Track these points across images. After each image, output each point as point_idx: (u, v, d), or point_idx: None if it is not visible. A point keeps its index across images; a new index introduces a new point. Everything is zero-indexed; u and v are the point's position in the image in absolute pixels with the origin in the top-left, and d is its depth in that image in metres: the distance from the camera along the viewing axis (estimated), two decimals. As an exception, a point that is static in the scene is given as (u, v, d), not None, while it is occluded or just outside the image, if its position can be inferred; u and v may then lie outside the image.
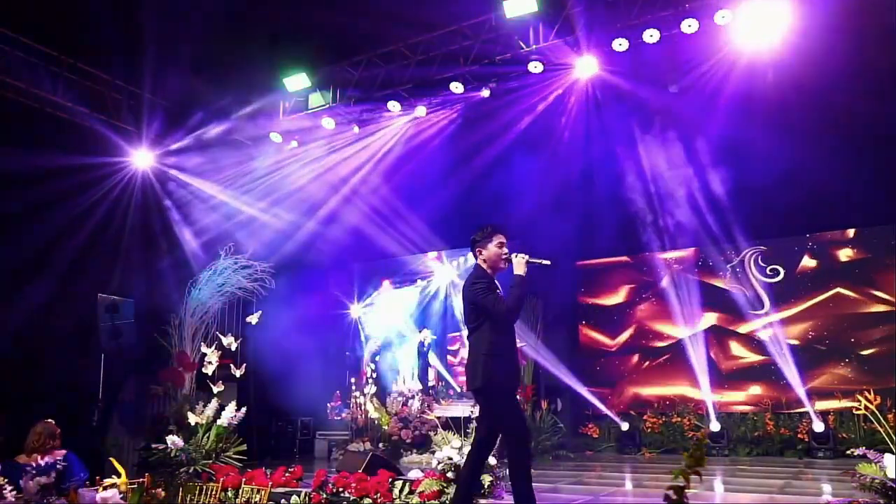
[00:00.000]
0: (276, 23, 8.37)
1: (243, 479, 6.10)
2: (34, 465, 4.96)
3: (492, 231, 4.23)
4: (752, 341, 10.16)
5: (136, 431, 9.00)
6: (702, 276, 10.66)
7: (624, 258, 11.31)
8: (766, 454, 9.13)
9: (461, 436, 5.82)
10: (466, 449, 5.53)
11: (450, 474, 5.47)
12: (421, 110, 9.52)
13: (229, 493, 5.98)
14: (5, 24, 8.20)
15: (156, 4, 8.00)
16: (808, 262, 10.02)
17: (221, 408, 7.23)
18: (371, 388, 10.38)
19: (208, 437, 7.05)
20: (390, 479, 5.70)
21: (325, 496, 5.72)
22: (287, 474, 6.22)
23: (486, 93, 9.04)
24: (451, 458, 5.50)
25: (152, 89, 9.85)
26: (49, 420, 5.81)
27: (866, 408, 4.95)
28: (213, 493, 5.96)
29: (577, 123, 9.38)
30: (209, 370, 7.54)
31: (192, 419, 7.13)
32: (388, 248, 12.02)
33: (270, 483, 5.96)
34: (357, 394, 10.41)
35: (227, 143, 10.38)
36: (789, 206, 9.45)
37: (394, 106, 9.34)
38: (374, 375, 10.98)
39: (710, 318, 10.51)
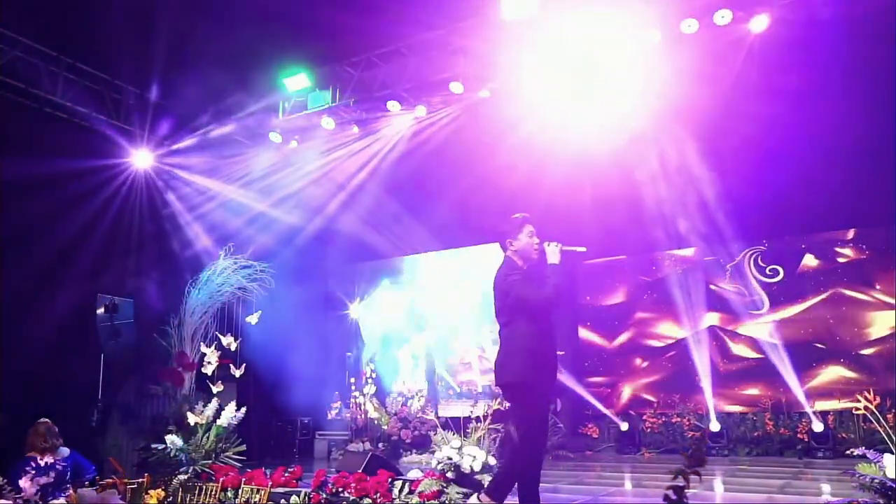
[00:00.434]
0: (276, 23, 8.36)
1: (243, 479, 6.10)
2: (34, 465, 4.97)
3: (521, 221, 4.12)
4: (751, 341, 10.16)
5: (136, 431, 8.99)
6: (701, 276, 10.65)
7: (623, 258, 11.31)
8: (765, 454, 9.13)
9: (461, 436, 5.81)
10: (466, 449, 5.54)
11: (449, 474, 5.47)
12: (421, 110, 9.52)
13: (229, 493, 5.98)
14: (5, 24, 8.19)
15: (156, 4, 7.99)
16: (807, 262, 10.02)
17: (221, 408, 7.22)
18: (370, 388, 10.38)
19: (208, 437, 7.04)
20: (390, 479, 5.69)
21: (324, 496, 5.72)
22: (287, 474, 6.21)
23: (486, 93, 9.04)
24: (450, 458, 5.50)
25: (152, 89, 9.85)
26: (45, 419, 5.74)
27: (866, 408, 4.94)
28: (213, 493, 5.96)
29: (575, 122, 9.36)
30: (209, 370, 7.53)
31: (192, 419, 7.12)
32: (388, 248, 12.03)
33: (270, 483, 5.96)
34: (356, 394, 10.41)
35: (226, 144, 10.38)
36: (789, 206, 9.45)
37: (394, 106, 9.34)
38: (374, 375, 10.97)
39: (710, 319, 10.51)
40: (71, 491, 5.02)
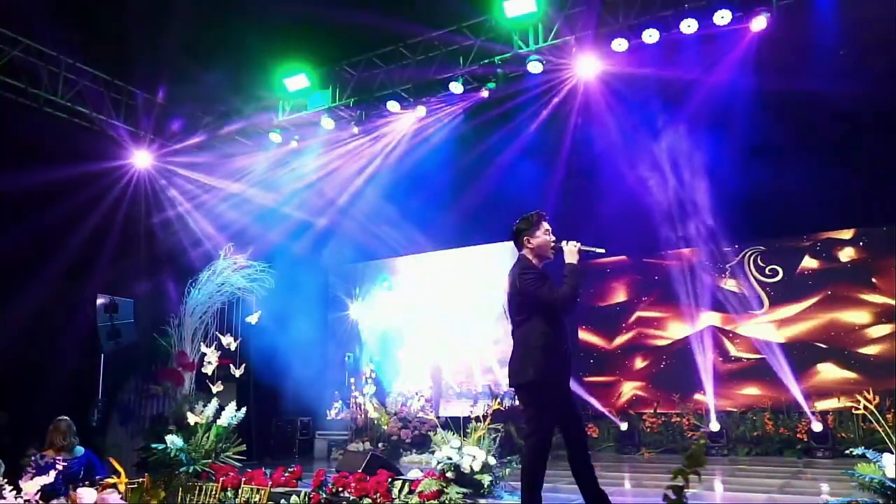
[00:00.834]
0: (276, 23, 8.36)
1: (243, 479, 6.11)
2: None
3: (538, 218, 4.03)
4: (751, 341, 10.16)
5: (136, 431, 9.01)
6: (701, 276, 10.65)
7: (623, 258, 11.31)
8: (765, 454, 9.13)
9: (461, 436, 5.81)
10: (466, 449, 5.54)
11: (449, 474, 5.47)
12: (421, 110, 9.52)
13: (229, 493, 5.99)
14: (5, 24, 8.20)
15: (156, 5, 8.00)
16: (807, 262, 10.02)
17: (221, 408, 7.23)
18: (370, 389, 10.38)
19: (208, 437, 7.05)
20: (389, 479, 5.70)
21: (324, 496, 5.72)
22: (286, 474, 6.22)
23: (485, 93, 9.04)
24: (450, 458, 5.50)
25: (152, 89, 9.86)
26: (65, 417, 5.84)
27: (865, 408, 4.94)
28: (213, 493, 5.96)
29: (576, 123, 9.38)
30: (209, 370, 7.54)
31: (192, 419, 7.13)
32: (388, 248, 12.04)
33: (270, 483, 5.96)
34: (356, 394, 10.41)
35: (227, 144, 10.39)
36: (789, 206, 9.45)
37: (393, 106, 9.34)
38: (374, 375, 10.97)
39: (710, 318, 10.51)
40: (71, 492, 5.02)
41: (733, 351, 10.29)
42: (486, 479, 5.51)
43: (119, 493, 4.88)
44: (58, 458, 5.45)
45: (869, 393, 5.12)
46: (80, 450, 5.70)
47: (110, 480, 4.96)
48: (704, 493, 5.84)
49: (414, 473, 5.83)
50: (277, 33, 8.45)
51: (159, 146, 10.23)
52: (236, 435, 7.38)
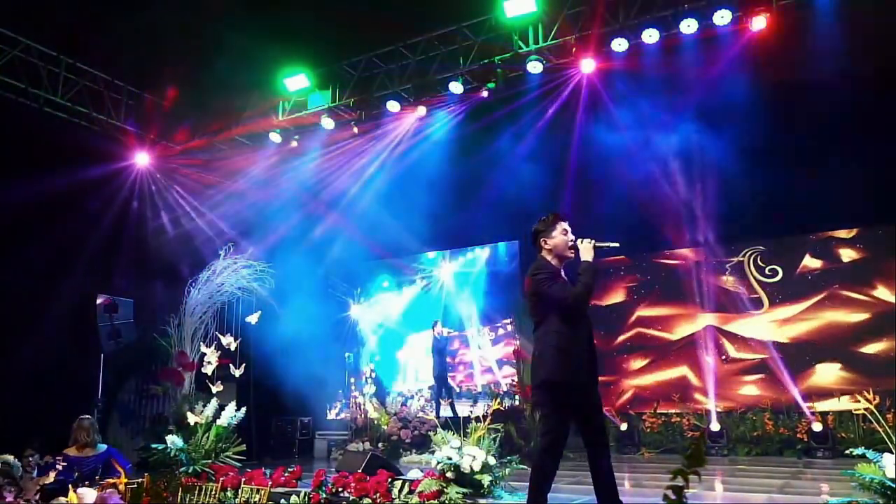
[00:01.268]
0: (276, 23, 8.37)
1: (243, 479, 6.11)
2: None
3: (554, 219, 3.99)
4: (751, 341, 10.15)
5: (136, 431, 9.01)
6: (701, 276, 10.65)
7: (623, 258, 11.31)
8: (765, 454, 9.13)
9: (460, 436, 5.81)
10: (466, 449, 5.54)
11: (449, 474, 5.47)
12: (421, 110, 9.53)
13: (229, 493, 5.98)
14: (5, 24, 8.20)
15: (156, 5, 8.00)
16: (807, 262, 10.01)
17: (221, 408, 7.23)
18: (370, 389, 10.38)
19: (208, 437, 7.05)
20: (389, 479, 5.70)
21: (324, 496, 5.72)
22: (286, 474, 6.22)
23: (485, 93, 9.05)
24: (450, 458, 5.50)
25: (151, 90, 9.86)
26: (88, 416, 6.06)
27: (865, 408, 4.94)
28: (213, 493, 5.96)
29: (576, 123, 9.38)
30: (208, 370, 7.54)
31: (192, 419, 7.13)
32: (388, 248, 12.03)
33: (270, 483, 5.96)
34: (356, 394, 10.42)
35: (226, 143, 10.39)
36: (789, 206, 9.44)
37: (393, 106, 9.35)
38: (374, 375, 10.98)
39: (710, 318, 10.51)
40: (72, 490, 5.02)
41: (733, 351, 10.29)
42: (486, 479, 5.51)
43: (119, 493, 4.89)
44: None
45: (869, 393, 5.13)
46: (101, 447, 5.91)
47: (110, 480, 4.97)
48: (704, 493, 5.84)
49: (414, 473, 5.83)
50: (277, 33, 8.45)
51: (159, 146, 10.23)
52: (236, 435, 7.38)
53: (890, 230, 9.43)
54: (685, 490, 1.94)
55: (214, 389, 7.37)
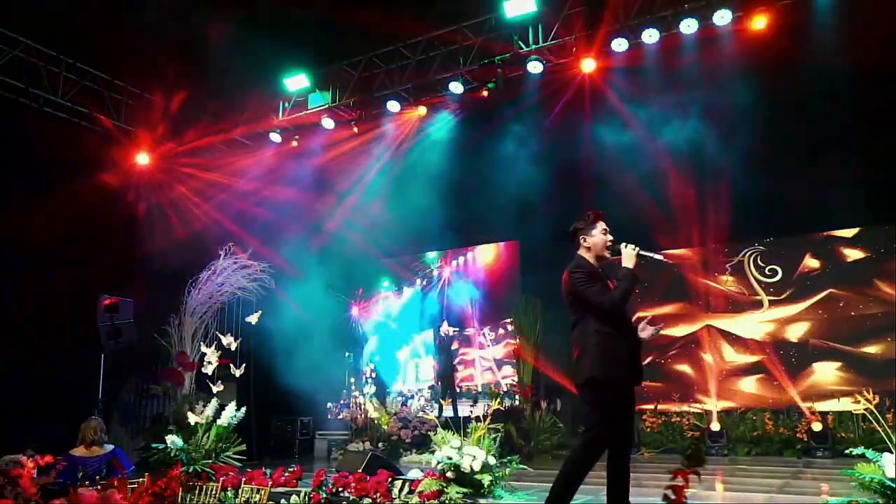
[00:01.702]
0: (276, 23, 8.37)
1: (243, 479, 6.10)
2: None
3: (594, 218, 3.99)
4: (751, 341, 10.16)
5: (136, 431, 9.01)
6: (700, 276, 10.66)
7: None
8: (765, 454, 9.13)
9: (461, 436, 5.81)
10: (466, 449, 5.54)
11: (449, 474, 5.47)
12: (421, 110, 9.53)
13: (229, 493, 5.98)
14: (5, 24, 8.20)
15: (156, 5, 8.00)
16: (807, 262, 10.01)
17: (221, 407, 7.22)
18: (370, 389, 10.38)
19: (208, 437, 7.04)
20: (390, 479, 5.69)
21: (324, 496, 5.72)
22: (286, 474, 6.21)
23: (485, 93, 9.05)
24: (450, 458, 5.50)
25: (152, 90, 9.86)
26: (95, 416, 6.22)
27: (865, 408, 4.95)
28: (213, 492, 5.96)
29: (575, 122, 9.38)
30: (209, 370, 7.54)
31: (192, 419, 7.12)
32: (388, 248, 12.03)
33: (270, 483, 5.96)
34: (356, 394, 10.41)
35: (227, 143, 10.39)
36: (789, 205, 9.44)
37: (393, 106, 9.35)
38: (374, 375, 10.97)
39: (709, 318, 10.52)
40: (73, 490, 5.03)
41: (733, 351, 10.29)
42: (486, 479, 5.50)
43: (119, 493, 4.89)
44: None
45: (869, 393, 5.13)
46: (108, 446, 6.02)
47: (112, 480, 4.97)
48: (704, 493, 5.84)
49: (414, 473, 5.82)
50: (277, 33, 8.45)
51: (159, 146, 10.23)
52: (236, 435, 7.37)
53: (890, 230, 9.43)
54: (685, 490, 1.95)
55: (215, 389, 7.36)
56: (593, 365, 3.71)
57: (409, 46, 8.97)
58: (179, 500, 5.83)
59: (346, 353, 12.52)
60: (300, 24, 8.42)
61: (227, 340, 7.94)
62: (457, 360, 11.94)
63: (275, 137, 10.14)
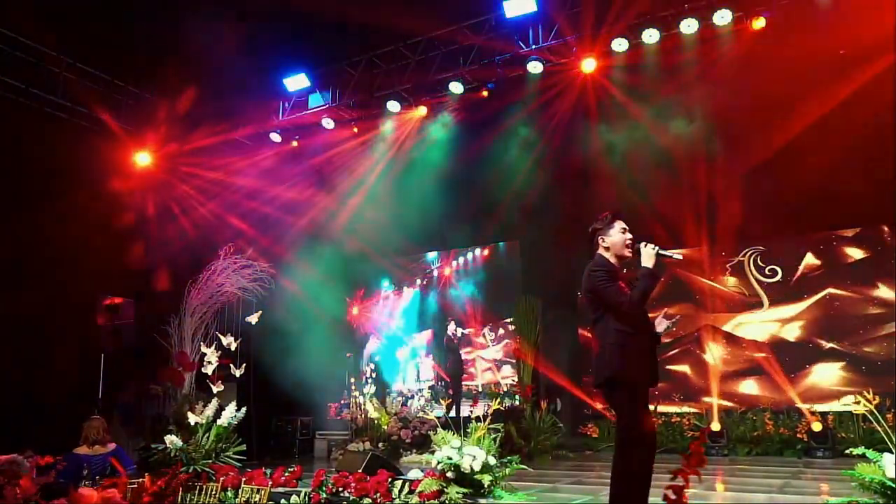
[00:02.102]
0: (276, 23, 8.37)
1: (243, 479, 6.11)
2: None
3: (612, 217, 3.97)
4: (751, 341, 10.16)
5: (136, 431, 9.00)
6: (700, 276, 10.66)
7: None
8: (765, 454, 9.13)
9: (461, 436, 5.81)
10: (466, 449, 5.54)
11: (449, 474, 5.47)
12: (421, 110, 9.52)
13: (229, 493, 5.99)
14: (5, 24, 8.20)
15: (156, 5, 8.00)
16: (807, 262, 10.02)
17: (221, 408, 7.22)
18: (370, 388, 10.38)
19: (208, 437, 7.04)
20: (390, 479, 5.70)
21: (324, 496, 5.72)
22: (286, 474, 6.22)
23: (485, 93, 9.05)
24: (450, 458, 5.50)
25: (152, 90, 9.86)
26: (97, 415, 6.30)
27: (865, 408, 4.95)
28: (213, 493, 5.97)
29: (575, 123, 9.38)
30: (209, 370, 7.54)
31: (192, 419, 7.12)
32: (388, 248, 12.03)
33: (270, 483, 5.96)
34: (356, 394, 10.41)
35: (227, 143, 10.38)
36: (789, 205, 9.44)
37: (393, 106, 9.35)
38: (374, 375, 10.97)
39: (709, 318, 10.51)
40: (73, 489, 5.03)
41: (733, 351, 10.29)
42: (486, 479, 5.51)
43: (119, 493, 4.89)
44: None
45: (869, 393, 5.13)
46: (111, 445, 6.13)
47: (113, 479, 4.97)
48: (704, 493, 5.84)
49: (414, 473, 5.83)
50: (277, 33, 8.46)
51: (159, 146, 10.23)
52: (236, 435, 7.37)
53: (891, 230, 9.43)
54: (685, 490, 1.95)
55: (215, 389, 7.36)
56: (612, 363, 3.71)
57: (409, 46, 8.97)
58: (179, 500, 5.83)
59: (347, 354, 12.52)
60: (300, 24, 8.42)
61: (227, 340, 7.94)
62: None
63: (275, 137, 10.13)
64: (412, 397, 11.36)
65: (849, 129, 8.23)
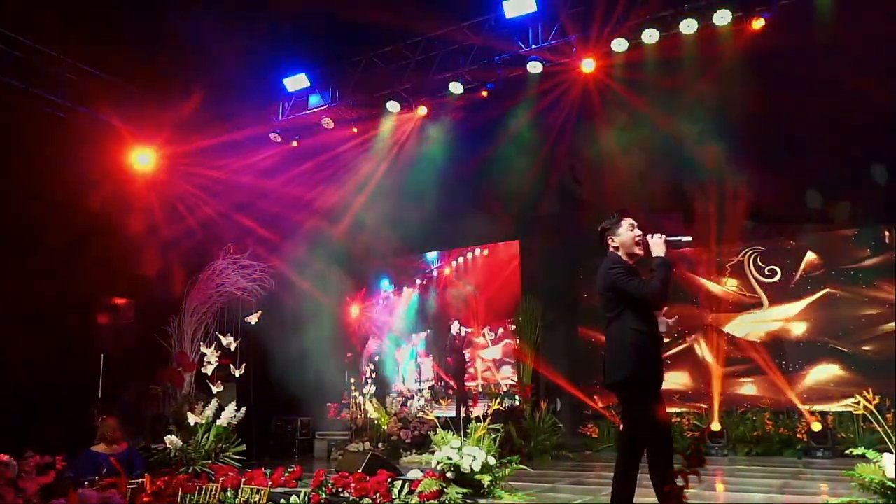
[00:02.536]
0: (276, 23, 8.37)
1: (242, 480, 6.10)
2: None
3: (620, 215, 4.00)
4: (750, 341, 10.16)
5: (136, 431, 9.00)
6: (700, 276, 10.66)
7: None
8: (765, 454, 9.13)
9: (460, 436, 5.81)
10: (466, 449, 5.54)
11: (449, 474, 5.47)
12: (421, 110, 9.52)
13: (228, 494, 5.98)
14: (5, 24, 8.20)
15: (157, 5, 8.00)
16: (807, 261, 10.02)
17: (221, 408, 7.23)
18: (370, 388, 10.38)
19: (208, 438, 7.05)
20: (389, 479, 5.70)
21: (324, 496, 5.72)
22: (286, 474, 6.22)
23: (485, 93, 9.04)
24: (450, 458, 5.50)
25: (152, 90, 9.85)
26: (113, 415, 6.49)
27: (865, 408, 4.95)
28: (213, 493, 5.96)
29: (575, 123, 9.38)
30: (209, 370, 7.54)
31: (192, 419, 7.13)
32: (388, 247, 12.03)
33: (270, 483, 5.96)
34: (356, 394, 10.41)
35: (227, 144, 10.37)
36: (788, 205, 9.45)
37: (393, 106, 9.35)
38: (374, 375, 10.97)
39: (709, 318, 10.52)
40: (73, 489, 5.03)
41: (733, 351, 10.29)
42: (486, 479, 5.51)
43: (119, 493, 4.89)
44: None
45: (869, 393, 5.13)
46: (124, 445, 6.32)
47: (110, 480, 4.97)
48: (704, 493, 5.85)
49: (414, 473, 5.83)
50: (277, 33, 8.46)
51: (161, 146, 10.22)
52: (236, 435, 7.38)
53: (890, 230, 9.44)
54: (685, 490, 1.95)
55: (214, 389, 7.37)
56: (628, 363, 3.70)
57: (409, 46, 8.97)
58: (179, 500, 5.83)
59: (347, 354, 12.52)
60: (300, 24, 8.42)
61: (227, 340, 7.94)
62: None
63: (275, 137, 10.13)
64: (412, 397, 11.36)
65: (846, 126, 8.25)
